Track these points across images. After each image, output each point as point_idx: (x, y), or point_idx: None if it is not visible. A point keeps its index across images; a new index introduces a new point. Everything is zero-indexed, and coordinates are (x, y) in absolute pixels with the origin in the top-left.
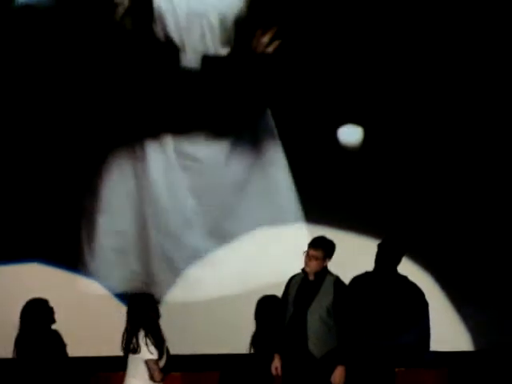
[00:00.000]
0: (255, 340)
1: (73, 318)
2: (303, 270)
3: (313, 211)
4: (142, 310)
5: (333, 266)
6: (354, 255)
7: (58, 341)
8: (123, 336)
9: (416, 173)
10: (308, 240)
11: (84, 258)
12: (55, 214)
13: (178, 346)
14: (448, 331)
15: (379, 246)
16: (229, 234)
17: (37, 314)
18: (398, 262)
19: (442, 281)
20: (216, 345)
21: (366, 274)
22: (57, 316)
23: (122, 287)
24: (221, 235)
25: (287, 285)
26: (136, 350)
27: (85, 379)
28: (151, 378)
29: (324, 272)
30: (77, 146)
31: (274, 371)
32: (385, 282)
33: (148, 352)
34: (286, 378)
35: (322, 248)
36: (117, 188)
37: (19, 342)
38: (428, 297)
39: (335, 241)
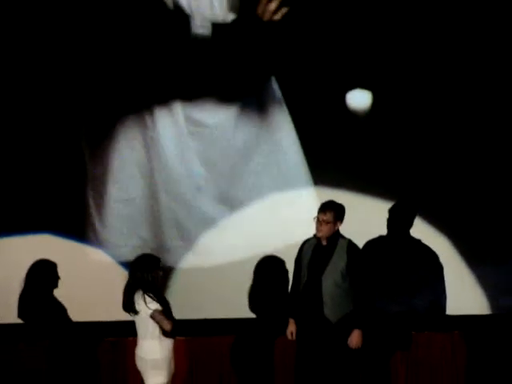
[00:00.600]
0: (253, 301)
1: (82, 286)
2: (315, 235)
3: (321, 175)
4: (140, 271)
5: (344, 229)
6: (365, 218)
7: (59, 305)
8: (123, 296)
9: (426, 134)
10: (317, 204)
11: (95, 228)
12: (64, 185)
13: (186, 310)
14: (464, 294)
15: (390, 210)
16: (238, 199)
17: (42, 274)
18: (410, 225)
19: (457, 243)
20: (226, 309)
21: (380, 238)
22: (67, 285)
23: (132, 255)
24: (230, 201)
25: (300, 250)
26: (136, 311)
27: (93, 344)
28: (162, 330)
29: (336, 236)
30: (86, 116)
31: (289, 336)
32: (398, 245)
33: (150, 306)
34: (300, 343)
35: (331, 211)
36: (126, 156)
37: (22, 300)
38: (443, 260)
39: (345, 203)
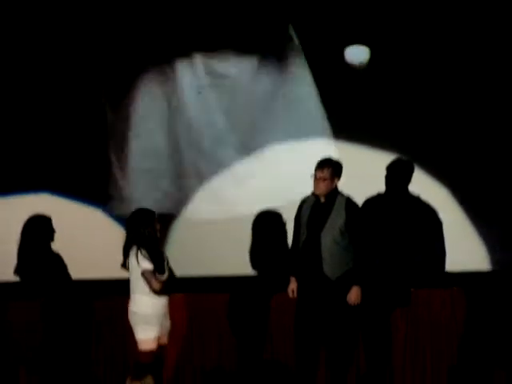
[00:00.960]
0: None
1: (80, 244)
2: (313, 193)
3: (338, 127)
4: (135, 227)
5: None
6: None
7: (58, 261)
8: (122, 253)
9: (428, 88)
10: (335, 155)
11: (118, 184)
12: (86, 142)
13: (192, 266)
14: (465, 250)
15: (388, 167)
16: (257, 149)
17: (37, 228)
18: (409, 182)
19: (459, 196)
20: (231, 265)
21: (379, 195)
22: (65, 242)
23: (155, 209)
24: (250, 151)
25: (299, 208)
26: (132, 266)
27: (90, 301)
28: (150, 289)
29: (335, 193)
30: (106, 71)
31: (290, 294)
32: (397, 202)
33: (141, 264)
34: (300, 300)
35: (329, 168)
36: (147, 109)
37: (19, 255)
38: (445, 214)
39: (363, 157)
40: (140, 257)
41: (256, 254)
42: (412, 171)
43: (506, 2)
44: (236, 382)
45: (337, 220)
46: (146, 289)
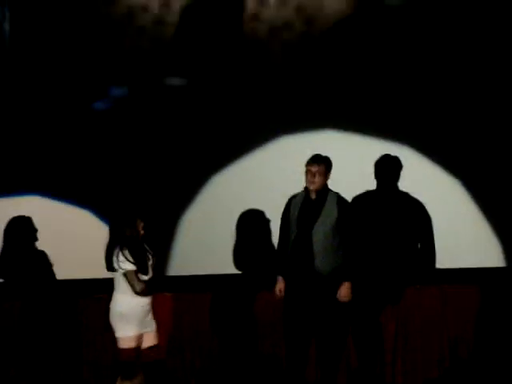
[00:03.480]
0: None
1: (68, 245)
2: (306, 189)
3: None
4: (118, 227)
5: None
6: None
7: (43, 259)
8: (105, 253)
9: (439, 77)
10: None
11: None
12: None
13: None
14: (479, 245)
15: (376, 164)
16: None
17: (19, 230)
18: (398, 178)
19: (473, 190)
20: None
21: (368, 192)
22: (53, 244)
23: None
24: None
25: (288, 205)
26: (115, 267)
27: (74, 301)
28: (133, 290)
29: (325, 190)
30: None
31: (277, 293)
32: (387, 199)
33: (123, 265)
34: (290, 298)
35: (323, 163)
36: None
37: (2, 259)
38: (458, 207)
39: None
40: (122, 258)
41: (239, 253)
42: (400, 167)
43: None
44: (227, 380)
45: (329, 216)
46: (128, 289)
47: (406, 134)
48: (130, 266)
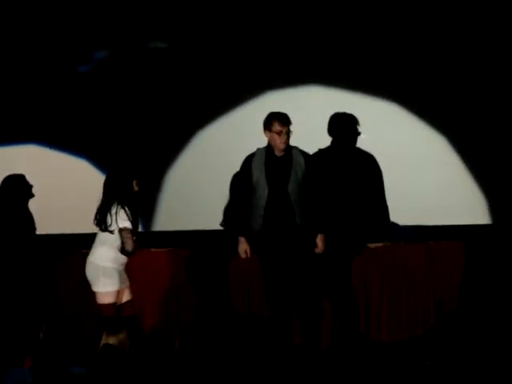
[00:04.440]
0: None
1: (65, 197)
2: (268, 147)
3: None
4: (117, 183)
5: None
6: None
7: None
8: (97, 211)
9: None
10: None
11: None
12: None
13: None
14: (464, 202)
15: (330, 122)
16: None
17: (14, 188)
18: (356, 134)
19: (459, 148)
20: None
21: (328, 148)
22: (51, 196)
23: None
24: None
25: (247, 165)
26: (109, 224)
27: (62, 256)
28: (122, 247)
29: (289, 146)
30: None
31: (242, 255)
32: (344, 154)
33: (122, 221)
34: (269, 254)
35: (290, 122)
36: None
37: None
38: (444, 165)
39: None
40: (124, 215)
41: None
42: (356, 123)
43: None
44: (213, 337)
45: (299, 171)
46: (115, 244)
47: (394, 90)
48: (128, 224)
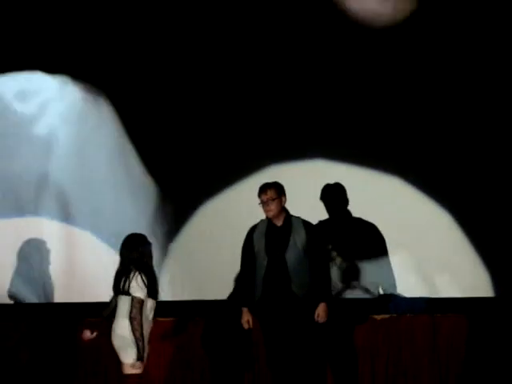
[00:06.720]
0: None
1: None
2: (267, 218)
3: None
4: (134, 250)
5: None
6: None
7: None
8: (115, 277)
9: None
10: None
11: None
12: None
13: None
14: (468, 276)
15: (322, 198)
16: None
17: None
18: (347, 203)
19: (460, 220)
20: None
21: (327, 220)
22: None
23: None
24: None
25: (249, 237)
26: (127, 291)
27: (73, 326)
28: (130, 313)
29: (289, 215)
30: None
31: (245, 325)
32: (342, 226)
33: (137, 289)
34: (268, 324)
35: (271, 188)
36: None
37: None
38: (446, 237)
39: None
40: (140, 283)
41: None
42: (345, 192)
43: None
44: None
45: (298, 240)
46: (127, 312)
47: (395, 163)
48: (141, 294)
